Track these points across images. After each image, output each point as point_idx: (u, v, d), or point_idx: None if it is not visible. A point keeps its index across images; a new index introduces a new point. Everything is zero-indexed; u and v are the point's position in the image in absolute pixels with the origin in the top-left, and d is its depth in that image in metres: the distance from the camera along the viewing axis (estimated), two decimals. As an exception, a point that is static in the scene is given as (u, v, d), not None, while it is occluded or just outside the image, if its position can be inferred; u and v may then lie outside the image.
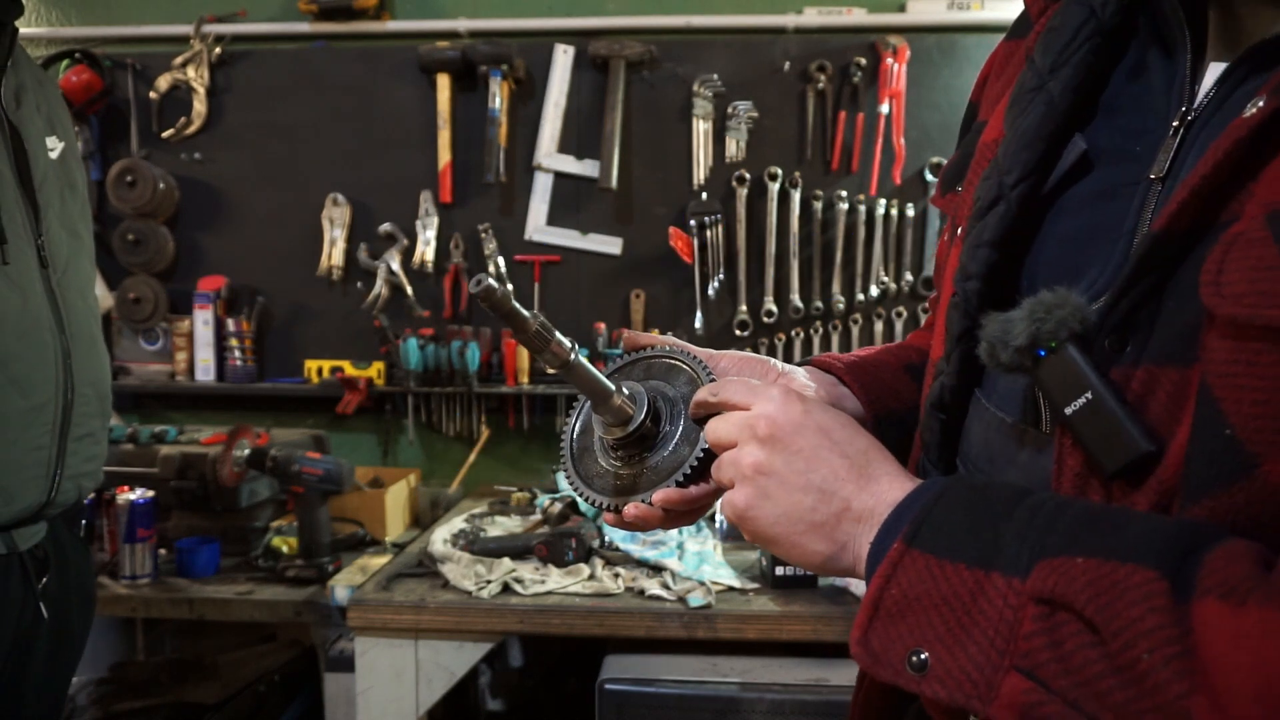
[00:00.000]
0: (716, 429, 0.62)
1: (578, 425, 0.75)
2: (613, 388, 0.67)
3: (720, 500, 0.62)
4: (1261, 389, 0.43)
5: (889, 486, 0.55)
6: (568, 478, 0.73)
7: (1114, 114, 0.59)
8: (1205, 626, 0.39)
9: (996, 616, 0.46)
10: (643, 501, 0.67)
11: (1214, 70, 0.53)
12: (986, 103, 0.73)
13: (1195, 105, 0.53)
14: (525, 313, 0.61)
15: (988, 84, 0.75)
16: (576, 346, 0.66)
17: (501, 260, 2.61)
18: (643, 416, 0.68)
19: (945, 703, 0.47)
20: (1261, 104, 0.44)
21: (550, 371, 2.42)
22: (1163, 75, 0.56)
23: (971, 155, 0.68)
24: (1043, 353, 0.50)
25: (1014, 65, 0.70)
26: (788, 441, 0.57)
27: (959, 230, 0.65)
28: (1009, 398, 0.59)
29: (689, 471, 0.66)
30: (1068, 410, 0.50)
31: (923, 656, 0.47)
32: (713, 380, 0.69)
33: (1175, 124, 0.53)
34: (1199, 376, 0.46)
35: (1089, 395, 0.49)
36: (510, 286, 0.58)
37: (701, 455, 0.66)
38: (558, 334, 0.63)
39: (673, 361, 0.73)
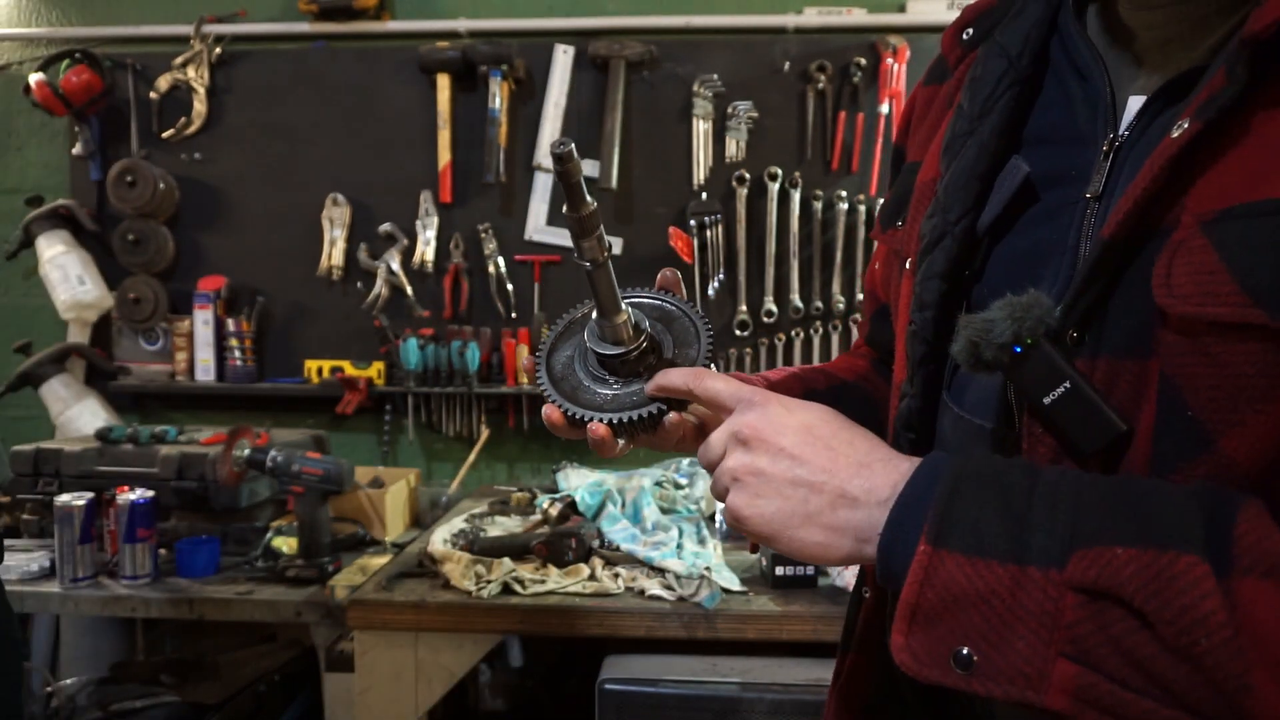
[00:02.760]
0: (705, 450, 0.64)
1: (567, 327, 0.76)
2: (624, 307, 0.68)
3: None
4: (1214, 376, 0.49)
5: (883, 470, 0.56)
6: (537, 370, 0.73)
7: (1042, 144, 0.65)
8: (1253, 605, 0.43)
9: (1037, 609, 0.47)
10: (581, 419, 0.69)
11: (1134, 102, 0.60)
12: (914, 145, 0.79)
13: (1121, 132, 0.59)
14: (588, 195, 0.62)
15: (911, 128, 0.81)
16: (612, 249, 0.66)
17: (501, 260, 2.61)
18: (634, 347, 0.69)
19: (1000, 698, 0.48)
20: (1186, 125, 0.50)
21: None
22: (1086, 108, 0.62)
23: (908, 195, 0.74)
24: (1018, 349, 0.54)
25: (936, 109, 0.76)
26: (771, 441, 0.59)
27: (908, 264, 0.71)
28: (980, 405, 0.63)
29: (632, 419, 0.68)
30: (1046, 400, 0.54)
31: (967, 653, 0.48)
32: (711, 352, 0.70)
33: (1105, 148, 0.59)
34: (1158, 367, 0.51)
35: (1067, 384, 0.53)
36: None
37: (653, 413, 0.68)
38: (603, 231, 0.65)
39: (685, 316, 0.74)
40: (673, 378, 0.67)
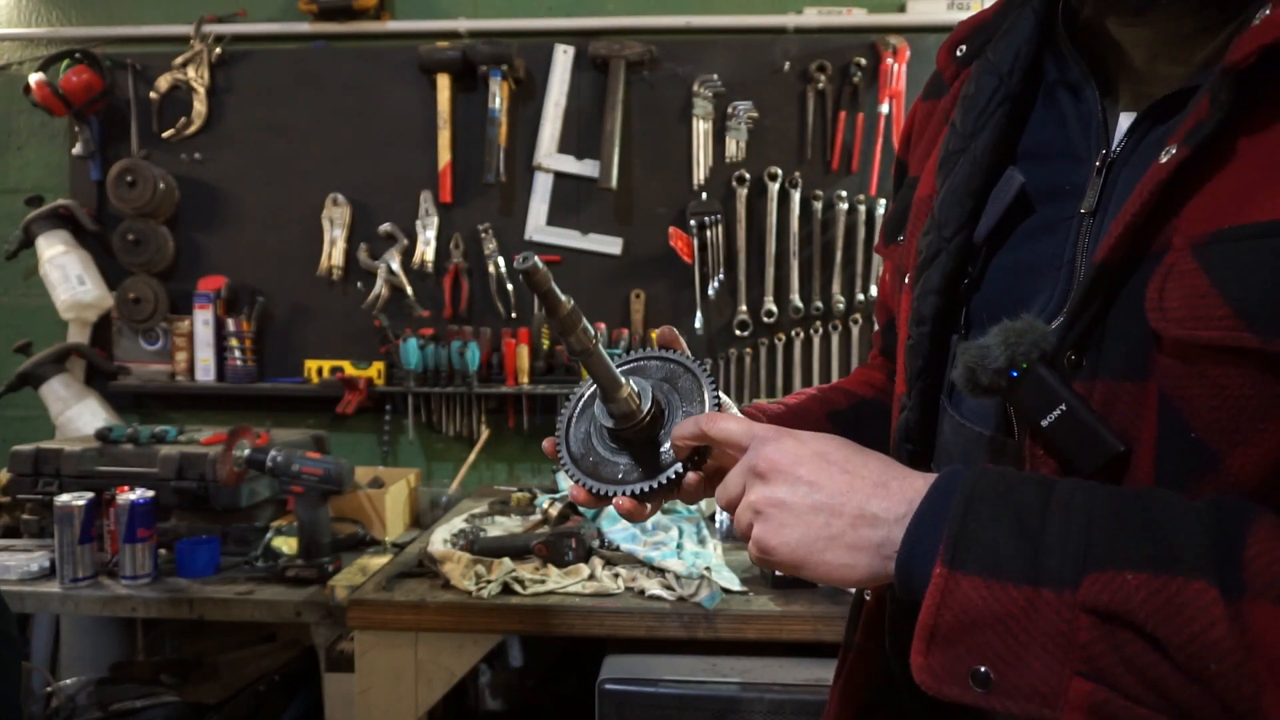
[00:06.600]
0: (724, 490, 0.65)
1: (579, 405, 0.78)
2: (624, 382, 0.70)
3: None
4: (1213, 397, 0.50)
5: (900, 488, 0.56)
6: (558, 451, 0.76)
7: (1036, 159, 0.65)
8: (1264, 630, 0.43)
9: (1052, 629, 0.48)
10: (607, 495, 0.71)
11: (1125, 119, 0.61)
12: (914, 160, 0.80)
13: (1113, 149, 0.60)
14: (562, 295, 0.64)
15: (912, 142, 0.82)
16: (599, 335, 0.68)
17: (501, 260, 2.61)
18: (643, 416, 0.71)
19: (1018, 715, 0.48)
20: (1174, 151, 0.51)
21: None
22: (1078, 123, 0.64)
23: (908, 210, 0.76)
24: (1015, 374, 0.55)
25: (934, 124, 0.77)
26: (788, 471, 0.59)
27: (906, 279, 0.72)
28: (979, 412, 0.64)
29: (653, 487, 0.70)
30: (1044, 422, 0.55)
31: (985, 672, 0.49)
32: (717, 402, 0.72)
33: (1098, 165, 0.60)
34: (1156, 389, 0.52)
35: (1063, 407, 0.55)
36: (547, 268, 0.64)
37: (671, 478, 0.70)
38: (585, 320, 0.67)
39: (687, 370, 0.76)
40: (686, 428, 0.68)
